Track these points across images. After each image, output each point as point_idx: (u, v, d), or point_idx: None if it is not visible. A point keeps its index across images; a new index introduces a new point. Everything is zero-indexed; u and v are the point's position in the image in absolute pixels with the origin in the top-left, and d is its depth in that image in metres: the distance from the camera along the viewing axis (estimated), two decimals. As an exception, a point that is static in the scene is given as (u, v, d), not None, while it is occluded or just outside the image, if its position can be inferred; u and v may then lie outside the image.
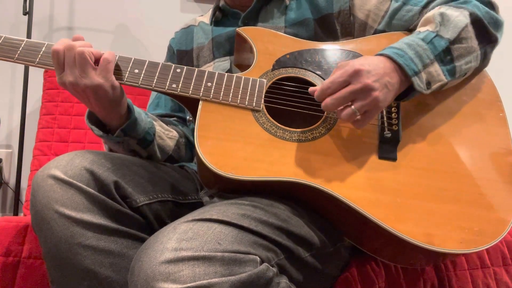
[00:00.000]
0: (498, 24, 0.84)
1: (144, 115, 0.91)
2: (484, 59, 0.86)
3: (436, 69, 0.79)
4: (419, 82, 0.77)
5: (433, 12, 0.84)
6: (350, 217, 0.76)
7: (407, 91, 0.80)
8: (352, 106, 0.72)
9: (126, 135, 0.86)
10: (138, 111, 0.89)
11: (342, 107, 0.74)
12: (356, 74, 0.72)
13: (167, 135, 0.98)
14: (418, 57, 0.77)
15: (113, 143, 0.88)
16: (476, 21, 0.81)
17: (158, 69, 0.82)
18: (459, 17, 0.81)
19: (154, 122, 0.95)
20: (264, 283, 0.61)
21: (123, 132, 0.85)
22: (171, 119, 1.08)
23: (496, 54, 0.90)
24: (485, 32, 0.82)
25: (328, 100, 0.73)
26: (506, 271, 1.00)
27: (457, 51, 0.80)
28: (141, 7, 2.02)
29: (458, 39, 0.80)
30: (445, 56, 0.79)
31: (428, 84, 0.79)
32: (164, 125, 1.00)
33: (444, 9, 0.83)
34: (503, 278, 0.98)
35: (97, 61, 0.78)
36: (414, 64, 0.77)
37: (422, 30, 0.82)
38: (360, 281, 0.84)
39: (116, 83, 0.80)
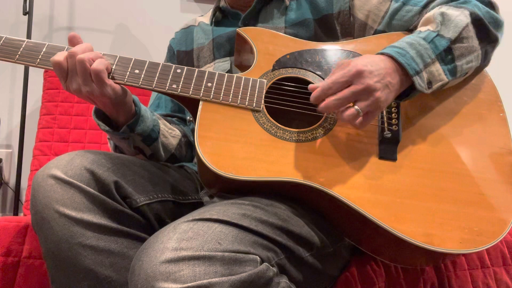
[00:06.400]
0: (498, 24, 0.84)
1: (150, 113, 0.92)
2: (485, 59, 0.86)
3: (437, 68, 0.79)
4: (420, 82, 0.77)
5: (434, 12, 0.84)
6: (350, 217, 0.76)
7: (408, 90, 0.80)
8: (356, 106, 0.71)
9: (132, 131, 0.87)
10: (144, 108, 0.90)
11: (343, 108, 0.73)
12: (358, 74, 0.71)
13: (170, 133, 0.99)
14: (420, 56, 0.77)
15: (119, 139, 0.89)
16: (476, 21, 0.82)
17: (159, 70, 0.82)
18: (460, 16, 0.81)
19: (159, 121, 0.96)
20: (264, 283, 0.61)
21: (129, 128, 0.86)
22: (172, 119, 1.08)
23: (497, 55, 0.90)
24: (486, 32, 0.83)
25: (330, 101, 0.72)
26: (506, 271, 1.00)
27: (458, 50, 0.80)
28: (141, 7, 2.02)
29: (459, 39, 0.80)
30: (446, 55, 0.79)
31: (429, 83, 0.79)
32: (167, 123, 1.01)
33: (445, 8, 0.83)
34: (503, 278, 0.98)
35: None
36: (416, 63, 0.77)
37: (423, 29, 0.82)
38: (360, 281, 0.84)
39: (116, 86, 0.80)
